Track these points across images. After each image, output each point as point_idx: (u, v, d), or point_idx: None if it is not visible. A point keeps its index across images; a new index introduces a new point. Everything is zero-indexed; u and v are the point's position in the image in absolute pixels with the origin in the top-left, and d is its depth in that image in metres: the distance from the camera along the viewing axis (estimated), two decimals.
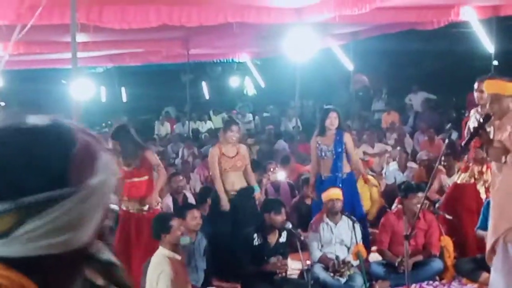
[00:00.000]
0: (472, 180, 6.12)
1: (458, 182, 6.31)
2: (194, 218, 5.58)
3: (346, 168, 6.76)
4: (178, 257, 4.75)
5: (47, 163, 0.90)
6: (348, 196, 6.56)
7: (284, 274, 5.77)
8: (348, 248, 5.97)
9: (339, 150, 6.68)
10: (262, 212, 5.89)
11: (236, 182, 6.53)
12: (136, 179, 5.86)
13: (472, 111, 6.01)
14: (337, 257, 5.80)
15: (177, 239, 4.77)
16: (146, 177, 5.93)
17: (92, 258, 1.13)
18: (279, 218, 5.70)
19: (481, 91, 5.65)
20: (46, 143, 0.92)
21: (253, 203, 6.58)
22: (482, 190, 6.07)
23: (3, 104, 14.72)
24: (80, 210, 0.92)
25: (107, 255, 1.17)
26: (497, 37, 9.46)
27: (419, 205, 5.71)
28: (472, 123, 5.87)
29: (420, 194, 5.92)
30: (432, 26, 9.16)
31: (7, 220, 0.88)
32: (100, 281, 1.32)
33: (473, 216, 6.08)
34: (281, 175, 8.15)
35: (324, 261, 5.88)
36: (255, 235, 5.74)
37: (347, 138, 6.77)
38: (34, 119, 0.95)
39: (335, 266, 5.75)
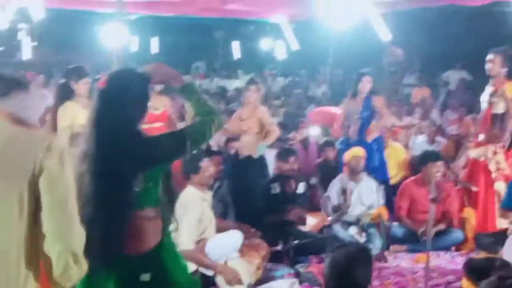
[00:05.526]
0: (483, 158, 6.03)
1: (471, 157, 6.24)
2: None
3: (374, 133, 6.78)
4: (207, 196, 4.80)
5: None
6: (374, 161, 6.59)
7: (302, 224, 5.81)
8: (369, 209, 6.00)
9: (366, 114, 6.74)
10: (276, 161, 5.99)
11: (244, 146, 6.33)
12: (158, 124, 5.84)
13: (487, 86, 6.05)
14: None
15: (206, 180, 4.79)
16: (164, 124, 5.92)
17: None
18: (288, 166, 5.77)
19: (493, 63, 5.73)
20: None
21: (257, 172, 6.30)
22: (493, 168, 5.98)
23: (35, 43, 14.72)
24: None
25: None
26: None
27: (438, 174, 5.75)
28: (483, 96, 5.94)
29: (439, 163, 5.93)
30: (476, 2, 8.85)
31: None
32: None
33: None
34: (311, 133, 8.16)
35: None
36: (272, 184, 5.80)
37: (376, 101, 6.79)
38: None
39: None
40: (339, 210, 5.94)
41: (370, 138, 6.72)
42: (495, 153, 5.95)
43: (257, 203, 5.87)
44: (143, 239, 2.62)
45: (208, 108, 2.73)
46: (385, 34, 10.57)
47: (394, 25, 10.91)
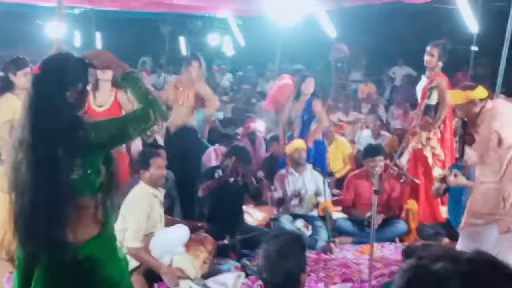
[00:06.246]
0: (420, 146, 6.16)
1: (411, 147, 6.34)
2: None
3: (315, 136, 6.82)
4: (158, 193, 4.71)
5: None
6: (316, 162, 6.65)
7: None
8: (315, 197, 6.06)
9: (305, 117, 6.79)
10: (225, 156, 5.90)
11: (178, 116, 6.33)
12: None
13: (423, 76, 6.21)
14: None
15: (156, 177, 4.69)
16: None
17: None
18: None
19: (432, 55, 5.89)
20: None
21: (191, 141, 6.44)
22: (429, 155, 6.12)
23: None
24: None
25: None
26: (482, 19, 9.29)
27: (377, 168, 5.84)
28: (419, 86, 6.10)
29: (378, 158, 6.02)
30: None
31: None
32: None
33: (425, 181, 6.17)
34: (258, 128, 8.17)
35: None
36: (216, 170, 5.76)
37: (316, 104, 6.80)
38: None
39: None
40: (283, 202, 5.95)
41: (311, 143, 6.72)
42: (428, 139, 6.08)
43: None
44: (81, 228, 2.57)
45: (150, 97, 2.64)
46: (331, 30, 10.68)
47: (339, 22, 11.04)
